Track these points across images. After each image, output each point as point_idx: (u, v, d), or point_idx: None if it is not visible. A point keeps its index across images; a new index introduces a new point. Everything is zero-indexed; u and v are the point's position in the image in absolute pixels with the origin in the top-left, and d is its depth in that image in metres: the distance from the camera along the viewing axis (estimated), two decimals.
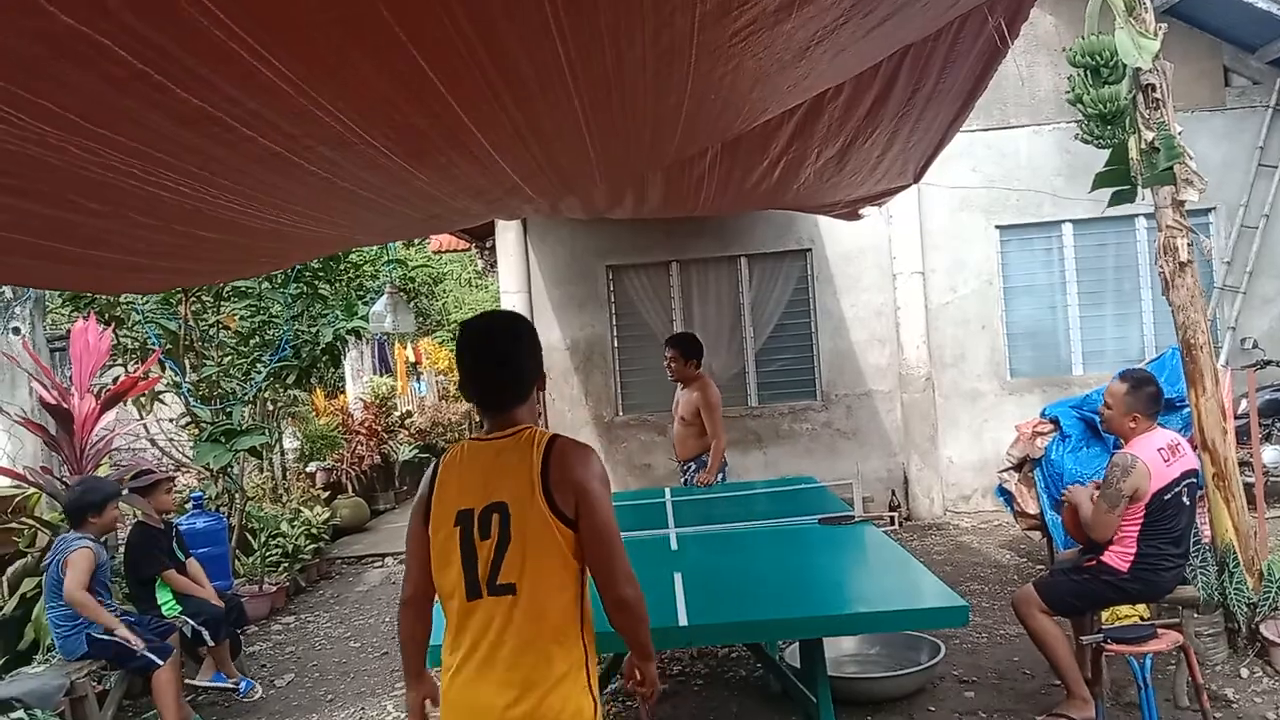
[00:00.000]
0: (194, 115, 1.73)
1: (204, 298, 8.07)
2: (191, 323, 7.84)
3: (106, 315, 7.43)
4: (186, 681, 5.65)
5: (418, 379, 16.51)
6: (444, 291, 21.82)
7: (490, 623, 2.20)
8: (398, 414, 13.87)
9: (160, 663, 4.92)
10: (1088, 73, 5.12)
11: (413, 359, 16.27)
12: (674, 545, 4.55)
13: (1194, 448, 5.08)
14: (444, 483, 2.31)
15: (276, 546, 7.94)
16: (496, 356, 2.33)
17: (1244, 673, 4.67)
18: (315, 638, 6.87)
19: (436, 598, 2.35)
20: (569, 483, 2.20)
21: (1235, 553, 4.82)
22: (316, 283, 8.63)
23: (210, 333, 8.21)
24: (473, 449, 2.33)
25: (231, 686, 5.76)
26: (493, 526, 2.21)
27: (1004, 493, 6.94)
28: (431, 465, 2.39)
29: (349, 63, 1.69)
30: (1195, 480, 4.23)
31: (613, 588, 2.24)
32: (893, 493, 9.27)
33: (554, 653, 2.20)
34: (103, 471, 6.44)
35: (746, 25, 2.06)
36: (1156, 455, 4.08)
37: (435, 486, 2.31)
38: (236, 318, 8.28)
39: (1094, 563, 4.17)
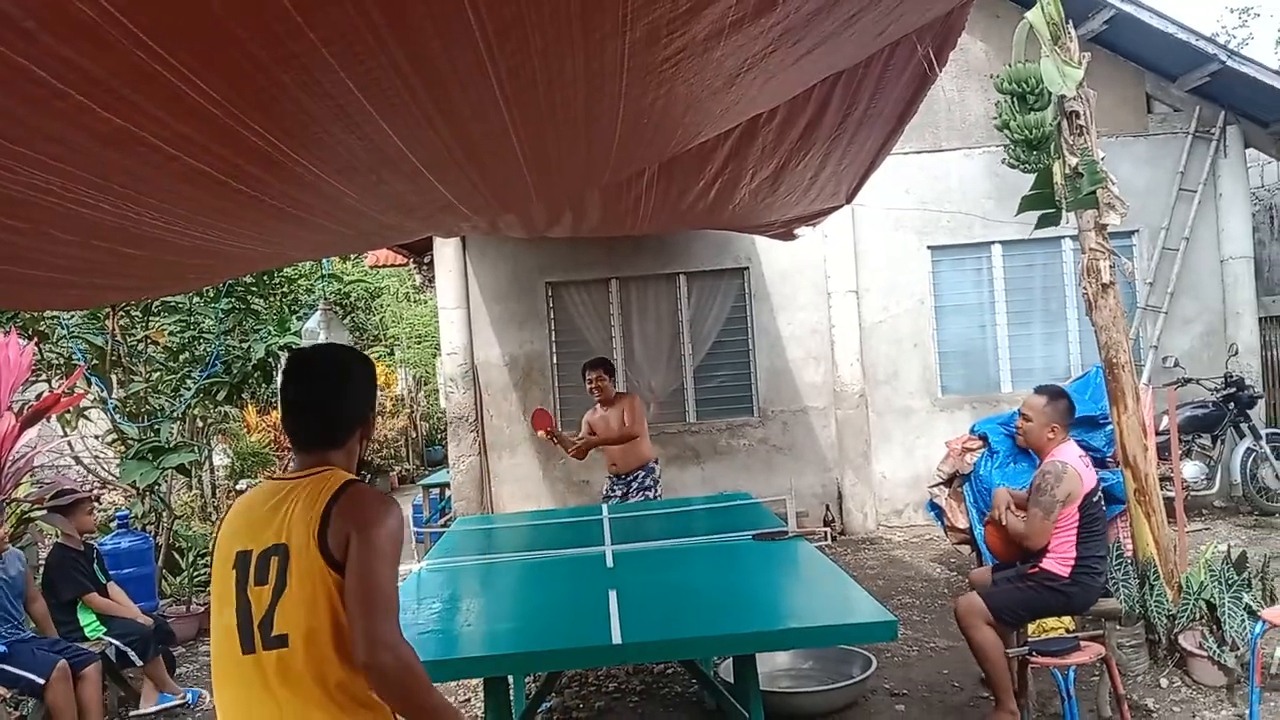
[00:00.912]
0: (117, 135, 1.71)
1: (132, 312, 7.90)
2: (119, 338, 7.67)
3: (30, 330, 7.24)
4: (132, 714, 5.54)
5: None
6: (381, 306, 21.60)
7: (265, 680, 1.98)
8: None
9: (40, 680, 4.80)
10: (1015, 99, 5.25)
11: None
12: (609, 563, 4.55)
13: (1116, 464, 5.24)
14: (231, 520, 2.13)
15: (205, 566, 7.76)
16: (313, 395, 2.18)
17: (1163, 683, 4.80)
18: None
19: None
20: (345, 528, 1.99)
21: (1156, 566, 4.96)
22: (249, 298, 8.51)
23: (138, 348, 8.04)
24: (269, 487, 2.14)
25: (180, 702, 5.64)
26: (270, 571, 2.00)
27: (935, 507, 7.06)
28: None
29: (276, 84, 1.69)
30: (1105, 492, 4.45)
31: (363, 652, 1.93)
32: (827, 508, 9.37)
33: (343, 714, 1.99)
34: (23, 491, 6.27)
35: (676, 52, 2.10)
36: (1079, 461, 4.28)
37: (223, 520, 2.13)
38: (166, 333, 8.13)
39: (1036, 570, 4.29)
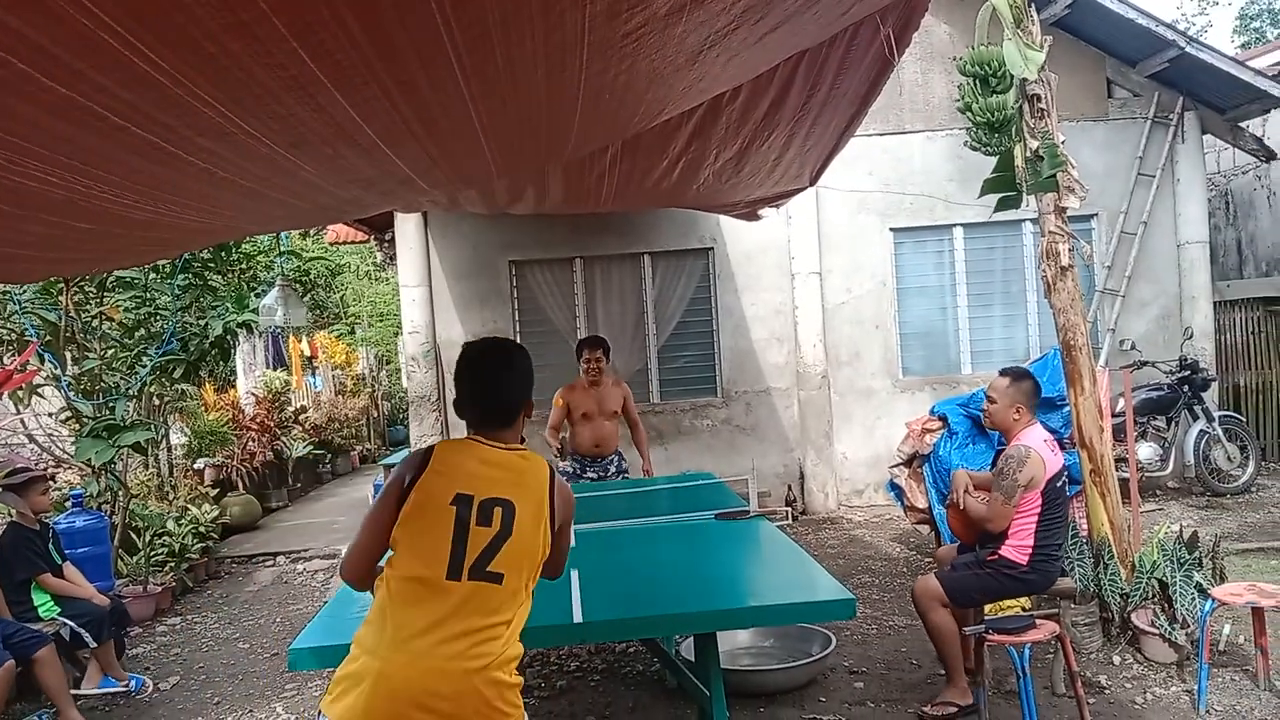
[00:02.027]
0: (63, 105, 1.66)
1: (87, 288, 7.75)
2: (73, 314, 7.51)
3: None
4: (73, 692, 5.45)
5: (313, 373, 16.15)
6: (342, 284, 21.40)
7: (463, 605, 2.32)
8: (292, 409, 13.54)
9: None
10: (977, 82, 5.26)
11: (308, 353, 15.90)
12: (571, 542, 4.54)
13: (1073, 445, 5.31)
14: (441, 461, 2.44)
15: (162, 546, 7.68)
16: (495, 382, 2.56)
17: (1116, 660, 4.89)
18: (202, 639, 6.67)
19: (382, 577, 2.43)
20: (563, 513, 2.55)
21: (1110, 546, 5.04)
22: (206, 274, 8.37)
23: (93, 324, 7.88)
24: (473, 446, 2.50)
25: (122, 689, 5.56)
26: (495, 518, 2.37)
27: (895, 487, 7.13)
28: (420, 451, 2.51)
29: (228, 53, 1.65)
30: (1067, 476, 4.47)
31: (557, 570, 2.67)
32: (789, 488, 9.44)
33: (512, 644, 2.39)
34: None
35: (638, 28, 2.07)
36: (1044, 446, 4.30)
37: (430, 464, 2.42)
38: (121, 309, 7.97)
39: (995, 557, 4.33)
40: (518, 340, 9.27)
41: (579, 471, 6.71)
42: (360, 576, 2.51)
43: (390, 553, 2.43)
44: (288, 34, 1.60)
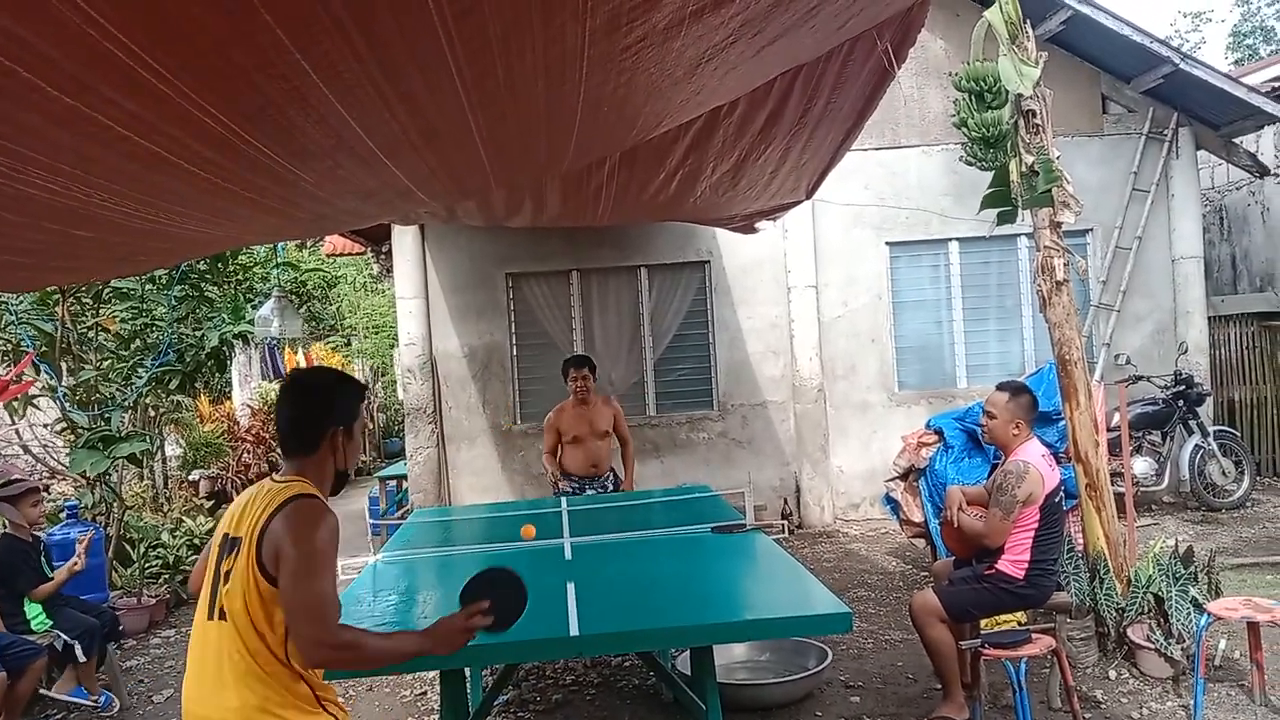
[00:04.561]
0: (67, 114, 1.67)
1: (83, 299, 7.74)
2: (69, 325, 7.50)
3: None
4: (41, 691, 5.43)
5: None
6: (339, 296, 21.38)
7: (214, 644, 2.37)
8: None
9: None
10: (972, 97, 5.28)
11: (304, 364, 15.87)
12: (568, 555, 4.55)
13: (1068, 459, 5.32)
14: (233, 506, 2.55)
15: (157, 558, 7.66)
16: (285, 410, 2.55)
17: (1112, 674, 4.89)
18: None
19: None
20: (275, 542, 2.30)
21: (1106, 560, 5.04)
22: (203, 285, 8.36)
23: (89, 335, 7.87)
24: (258, 485, 2.55)
25: (91, 704, 5.53)
26: (229, 556, 2.41)
27: (890, 501, 7.13)
28: None
29: (231, 65, 1.66)
30: (1063, 490, 4.47)
31: (305, 657, 2.33)
32: (785, 501, 9.43)
33: (263, 686, 2.32)
34: None
35: (637, 41, 2.09)
36: (1042, 461, 4.31)
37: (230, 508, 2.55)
38: (117, 320, 7.96)
39: (992, 571, 4.33)
40: (514, 352, 9.37)
41: (578, 491, 6.67)
42: None
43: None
44: (291, 46, 1.61)
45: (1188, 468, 8.69)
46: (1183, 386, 8.71)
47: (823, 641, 5.11)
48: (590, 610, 3.46)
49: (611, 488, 6.76)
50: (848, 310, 9.55)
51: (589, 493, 6.65)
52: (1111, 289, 9.47)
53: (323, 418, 2.50)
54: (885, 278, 9.57)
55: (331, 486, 2.55)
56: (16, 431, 7.95)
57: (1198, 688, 4.34)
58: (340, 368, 18.21)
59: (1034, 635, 4.20)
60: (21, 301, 7.32)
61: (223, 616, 2.35)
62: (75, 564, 5.62)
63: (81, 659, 5.42)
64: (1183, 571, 4.99)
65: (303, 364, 15.69)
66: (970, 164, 5.41)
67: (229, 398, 13.39)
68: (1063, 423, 5.40)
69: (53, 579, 5.63)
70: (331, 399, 2.53)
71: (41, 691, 5.44)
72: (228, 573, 2.36)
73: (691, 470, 9.33)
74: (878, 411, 9.56)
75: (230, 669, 2.32)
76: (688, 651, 4.52)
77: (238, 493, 10.95)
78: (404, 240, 9.42)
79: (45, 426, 8.20)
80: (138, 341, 8.09)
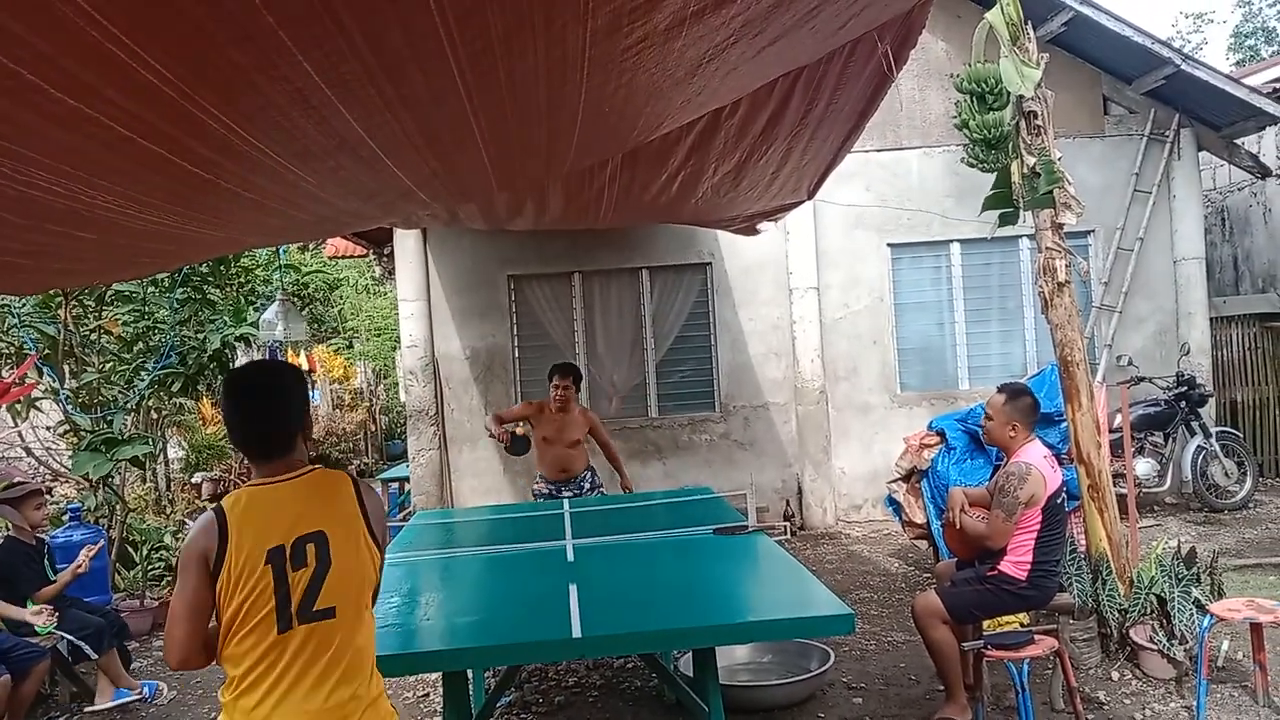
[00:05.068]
0: (70, 116, 1.67)
1: (86, 301, 7.75)
2: (71, 327, 7.51)
3: None
4: (87, 710, 5.45)
5: (311, 388, 16.14)
6: (340, 298, 21.40)
7: (304, 650, 2.24)
8: None
9: None
10: (974, 98, 5.28)
11: (306, 367, 15.89)
12: (570, 557, 4.54)
13: (1070, 460, 5.31)
14: (240, 530, 2.25)
15: (160, 560, 7.66)
16: (262, 414, 2.39)
17: (1115, 676, 4.88)
18: None
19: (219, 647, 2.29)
20: (377, 514, 2.42)
21: (1108, 561, 5.03)
22: (205, 288, 8.37)
23: (91, 338, 7.88)
24: (262, 493, 2.34)
25: (138, 697, 5.55)
26: (309, 555, 2.26)
27: (893, 503, 7.13)
28: (210, 518, 2.28)
29: (234, 66, 1.66)
30: (1066, 491, 4.47)
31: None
32: (787, 503, 9.43)
33: (372, 670, 2.35)
34: None
35: (638, 42, 2.09)
36: (1044, 462, 4.30)
37: (229, 535, 2.24)
38: (119, 323, 7.97)
39: (994, 573, 4.33)
40: (516, 354, 9.37)
41: (554, 494, 6.59)
42: (187, 659, 2.28)
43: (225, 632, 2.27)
44: (293, 48, 1.61)
45: (1190, 469, 8.68)
46: (1185, 388, 8.70)
47: (825, 643, 5.11)
48: (592, 612, 3.46)
49: (589, 487, 6.65)
50: (849, 312, 9.55)
51: (565, 494, 6.55)
52: (1113, 290, 9.47)
53: (300, 415, 2.42)
54: (887, 279, 9.57)
55: None
56: (19, 434, 7.96)
57: (1200, 689, 4.34)
58: (343, 367, 18.22)
59: (1036, 636, 4.20)
60: (24, 304, 7.33)
61: (321, 616, 2.25)
62: (79, 566, 5.64)
63: (93, 656, 5.43)
64: (1185, 572, 4.98)
65: (305, 366, 15.72)
66: (972, 165, 5.41)
67: None
68: (1065, 424, 5.39)
69: (55, 581, 5.64)
70: (299, 394, 2.45)
71: (88, 709, 5.46)
72: (317, 570, 2.25)
73: (693, 472, 9.33)
74: (880, 413, 9.56)
75: (348, 664, 2.27)
76: (690, 653, 4.51)
77: None
78: (406, 242, 9.43)
79: (48, 429, 8.21)
80: (140, 344, 8.10)
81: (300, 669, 2.22)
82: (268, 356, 14.49)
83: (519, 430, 6.48)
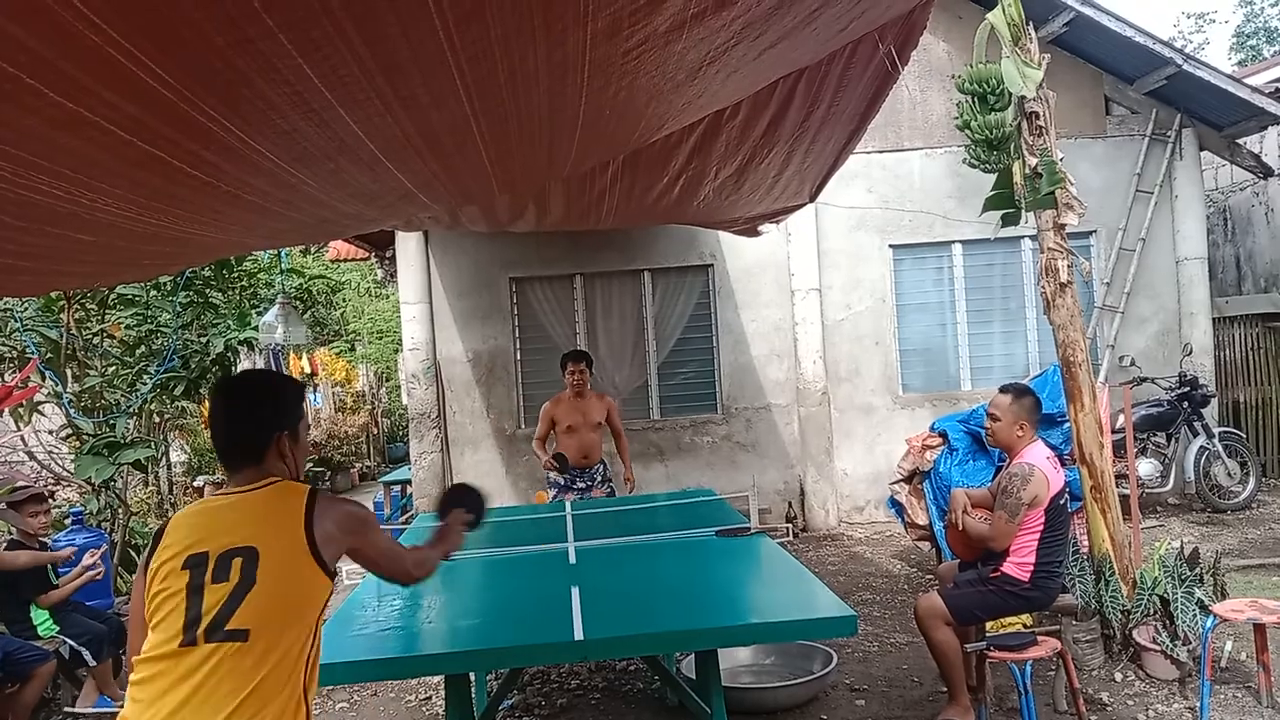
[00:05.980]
0: (70, 119, 1.67)
1: (88, 305, 7.77)
2: (74, 331, 7.52)
3: None
4: (67, 710, 5.42)
5: (313, 391, 16.15)
6: (343, 301, 21.42)
7: (200, 670, 2.07)
8: None
9: None
10: (975, 99, 5.29)
11: (309, 370, 15.90)
12: (572, 559, 4.54)
13: (1073, 461, 5.31)
14: (174, 530, 2.23)
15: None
16: (224, 423, 2.39)
17: (1118, 677, 4.87)
18: None
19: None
20: (332, 534, 2.25)
21: (1111, 562, 5.03)
22: (207, 291, 8.39)
23: (94, 341, 7.89)
24: (212, 502, 2.32)
25: (117, 709, 5.52)
26: (233, 570, 2.14)
27: (895, 504, 7.12)
28: (158, 528, 2.29)
29: (233, 69, 1.66)
30: (1068, 492, 4.47)
31: (402, 580, 2.67)
32: (789, 504, 9.42)
33: (274, 698, 2.11)
34: None
35: (638, 45, 2.09)
36: (1047, 463, 4.30)
37: (163, 536, 2.22)
38: (122, 326, 7.98)
39: (997, 574, 4.32)
40: (518, 357, 9.37)
41: (569, 483, 6.83)
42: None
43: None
44: (293, 50, 1.61)
45: (1193, 469, 8.66)
46: (1187, 388, 8.69)
47: (828, 645, 5.10)
48: (595, 614, 3.46)
49: (600, 479, 6.92)
50: (851, 313, 9.54)
51: (579, 483, 6.83)
52: (1115, 291, 9.46)
53: (266, 426, 2.34)
54: (889, 280, 9.56)
55: None
56: (22, 438, 7.97)
57: (1204, 690, 4.33)
58: (345, 370, 18.23)
59: (1039, 638, 4.19)
60: (27, 308, 7.34)
61: (230, 638, 2.09)
62: (97, 573, 5.64)
63: (91, 663, 5.43)
64: (1188, 573, 4.97)
65: (307, 369, 15.72)
66: (973, 166, 5.42)
67: None
68: (1067, 425, 5.39)
69: (58, 585, 5.63)
70: (271, 405, 2.39)
71: (67, 710, 5.45)
72: (238, 589, 2.12)
73: (695, 474, 9.33)
74: (882, 414, 9.55)
75: (250, 695, 2.07)
76: (692, 655, 4.51)
77: None
78: (408, 245, 9.44)
79: (50, 433, 8.22)
80: (143, 348, 8.11)
81: (191, 689, 2.06)
82: (269, 360, 14.56)
83: (556, 448, 6.86)
